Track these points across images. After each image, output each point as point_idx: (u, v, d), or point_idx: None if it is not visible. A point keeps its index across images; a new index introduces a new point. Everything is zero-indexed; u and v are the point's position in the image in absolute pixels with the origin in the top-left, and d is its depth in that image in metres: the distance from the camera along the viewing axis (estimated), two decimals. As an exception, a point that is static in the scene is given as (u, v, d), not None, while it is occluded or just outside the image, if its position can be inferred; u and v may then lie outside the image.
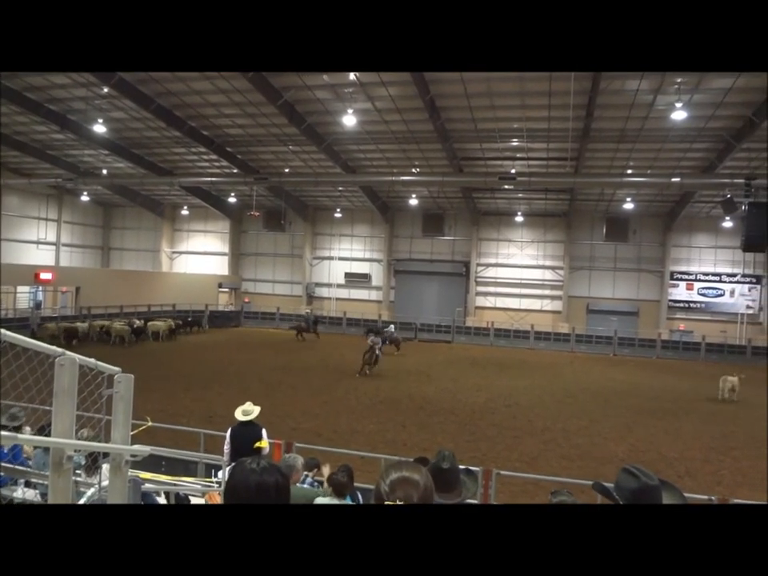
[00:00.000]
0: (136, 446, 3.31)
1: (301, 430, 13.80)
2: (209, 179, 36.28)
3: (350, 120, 25.12)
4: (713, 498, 7.38)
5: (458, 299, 42.09)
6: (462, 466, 2.96)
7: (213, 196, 42.42)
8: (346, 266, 44.83)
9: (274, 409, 15.16)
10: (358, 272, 44.49)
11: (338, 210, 43.29)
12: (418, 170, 32.79)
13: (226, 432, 7.84)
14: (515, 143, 28.86)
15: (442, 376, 23.71)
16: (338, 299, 44.37)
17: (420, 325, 39.39)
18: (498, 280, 41.80)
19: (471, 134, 27.93)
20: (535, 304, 41.18)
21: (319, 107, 26.21)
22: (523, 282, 41.35)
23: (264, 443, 7.59)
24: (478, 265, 42.05)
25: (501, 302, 41.53)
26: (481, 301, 42.07)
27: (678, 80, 20.95)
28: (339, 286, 44.73)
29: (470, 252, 42.10)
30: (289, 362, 25.23)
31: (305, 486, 5.66)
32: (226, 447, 7.68)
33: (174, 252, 47.51)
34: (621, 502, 1.95)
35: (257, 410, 7.81)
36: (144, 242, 48.07)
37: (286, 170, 34.51)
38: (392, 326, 34.47)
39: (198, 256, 47.24)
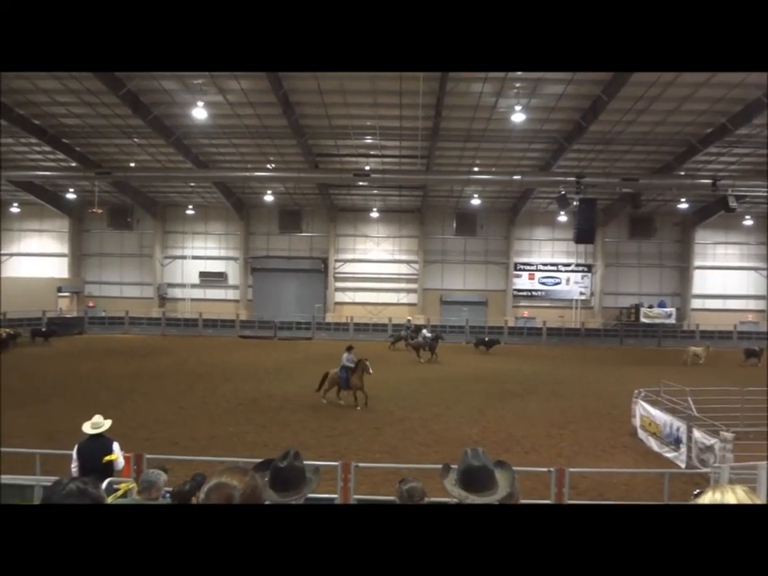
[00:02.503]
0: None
1: (155, 440, 13.09)
2: (42, 173, 33.00)
3: (200, 113, 24.19)
4: (551, 469, 8.02)
5: (317, 296, 42.16)
6: (313, 463, 2.95)
7: (48, 192, 38.83)
8: (201, 264, 43.15)
9: (126, 419, 14.23)
10: (213, 271, 43.01)
11: (190, 206, 41.52)
12: (273, 165, 32.36)
13: (72, 449, 7.27)
14: (369, 140, 29.40)
15: (302, 373, 23.58)
16: (192, 300, 42.59)
17: (280, 323, 38.96)
18: (356, 275, 42.45)
19: (326, 130, 28.05)
20: (392, 297, 42.33)
21: (166, 98, 24.93)
22: (380, 276, 42.34)
23: (114, 456, 7.15)
24: (336, 260, 42.40)
25: (359, 297, 42.22)
26: (340, 296, 42.48)
27: (517, 84, 22.50)
28: (194, 286, 42.96)
29: (327, 248, 42.31)
30: (140, 369, 23.81)
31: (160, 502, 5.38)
32: (74, 465, 7.15)
33: (3, 254, 42.83)
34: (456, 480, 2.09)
35: (107, 423, 7.36)
36: (-35, 243, 42.94)
37: (132, 165, 32.52)
38: (425, 329, 31.74)
39: (33, 258, 42.95)
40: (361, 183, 32.51)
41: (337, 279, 42.49)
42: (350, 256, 42.70)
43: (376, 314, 41.24)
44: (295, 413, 16.57)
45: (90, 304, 42.48)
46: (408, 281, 42.49)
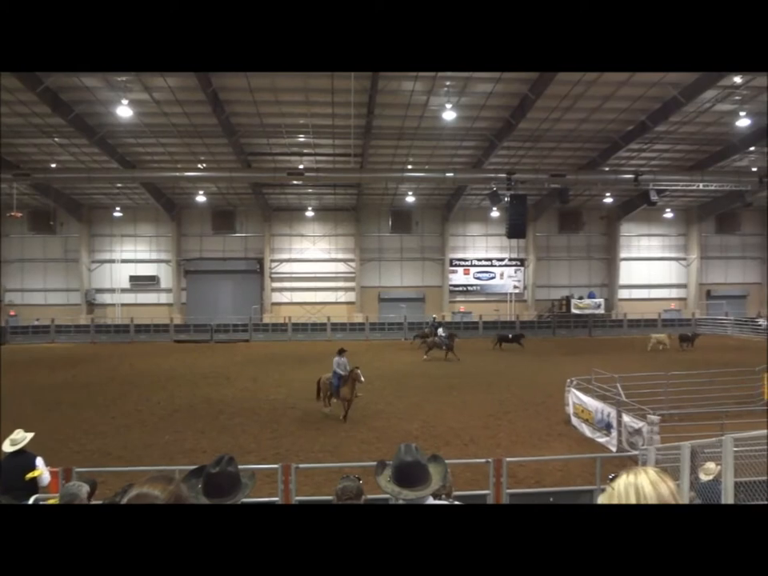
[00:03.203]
0: None
1: (86, 452, 12.57)
2: (-48, 176, 31.05)
3: (125, 111, 23.37)
4: (489, 460, 8.19)
5: (253, 297, 41.57)
6: (250, 467, 2.90)
7: (-40, 195, 36.58)
8: (131, 268, 41.74)
9: (53, 432, 13.63)
10: (144, 274, 41.69)
11: (118, 208, 40.07)
12: (204, 165, 31.65)
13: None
14: (302, 139, 29.17)
15: (241, 376, 23.23)
16: (123, 305, 41.16)
17: (216, 326, 38.17)
18: (293, 275, 42.10)
19: (258, 128, 27.64)
20: (330, 296, 42.21)
21: (88, 96, 23.92)
22: (317, 275, 42.15)
23: (38, 472, 6.81)
24: (272, 261, 41.92)
25: (297, 297, 41.90)
26: (277, 297, 42.02)
27: (447, 83, 22.81)
28: (124, 290, 41.52)
29: (263, 248, 41.76)
30: (68, 379, 22.83)
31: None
32: None
33: None
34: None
35: (28, 436, 6.98)
36: None
37: (53, 165, 31.09)
38: (440, 327, 31.12)
39: (-55, 265, 40.44)
40: (295, 182, 32.24)
41: (273, 279, 42.00)
42: (286, 256, 42.29)
43: (314, 314, 41.02)
44: (234, 417, 16.28)
45: (12, 313, 40.34)
46: (346, 279, 42.46)
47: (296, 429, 14.93)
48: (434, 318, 36.50)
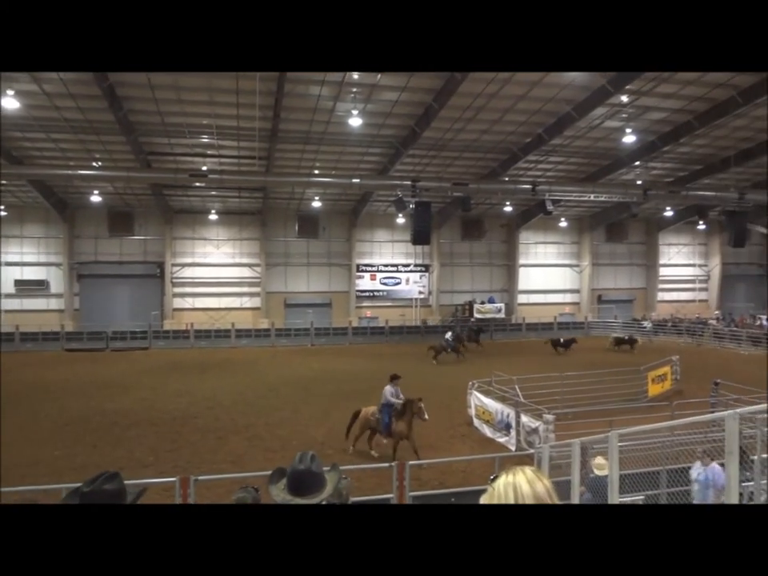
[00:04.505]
0: None
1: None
2: None
3: (10, 103, 21.73)
4: (392, 464, 8.28)
5: (153, 302, 39.86)
6: (145, 481, 2.78)
7: None
8: (16, 272, 38.81)
9: None
10: (31, 279, 38.88)
11: (2, 207, 37.13)
12: (99, 163, 30.04)
13: None
14: (205, 140, 28.34)
15: (139, 385, 22.21)
16: (7, 311, 38.18)
17: (112, 333, 36.25)
18: (196, 280, 40.77)
19: (159, 127, 26.56)
20: (235, 302, 41.24)
21: (-34, 86, 22.08)
22: (221, 280, 41.05)
23: None
24: (174, 265, 40.39)
25: (200, 302, 40.61)
26: (179, 302, 40.54)
27: (354, 89, 22.94)
28: (8, 296, 38.52)
29: (163, 252, 40.16)
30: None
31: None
32: None
33: None
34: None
35: None
36: None
37: (-75, 159, 28.41)
38: (449, 332, 32.26)
39: None
40: (198, 184, 31.23)
41: (175, 284, 40.47)
42: (188, 260, 40.89)
43: (218, 320, 39.91)
44: (130, 429, 15.53)
45: None
46: (251, 284, 41.63)
47: (197, 439, 14.46)
48: (472, 322, 39.06)
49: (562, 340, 33.11)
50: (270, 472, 3.08)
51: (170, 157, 30.31)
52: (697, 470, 7.44)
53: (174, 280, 40.40)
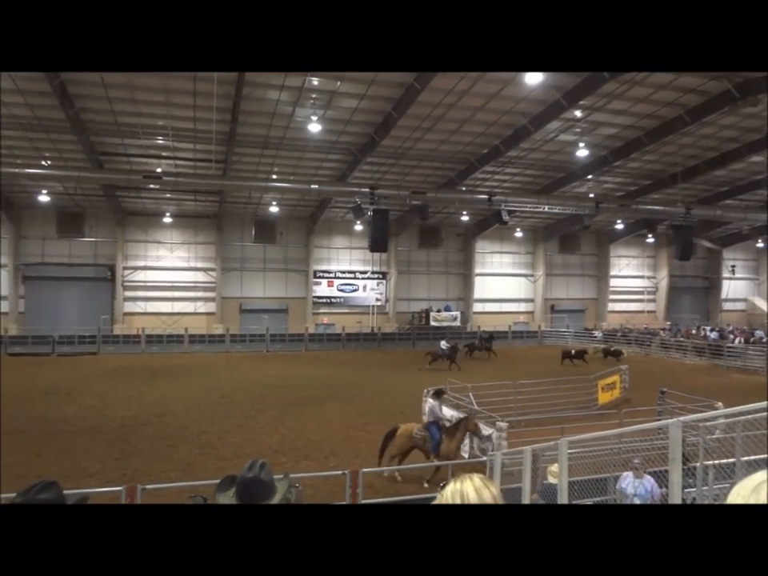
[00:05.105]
0: None
1: None
2: None
3: (-48, 98, 20.91)
4: (345, 472, 8.23)
5: (103, 306, 38.77)
6: (89, 490, 2.69)
7: None
8: (-43, 273, 37.27)
9: None
10: (-27, 280, 37.38)
11: (-58, 205, 35.69)
12: (48, 162, 29.12)
13: None
14: (161, 141, 27.81)
15: (86, 392, 21.53)
16: (-54, 314, 36.61)
17: (59, 337, 35.07)
18: (148, 284, 39.88)
19: (112, 127, 25.93)
20: (189, 307, 40.48)
21: None
22: (175, 284, 40.25)
23: None
24: (125, 268, 39.42)
25: (152, 307, 39.71)
26: (130, 306, 39.55)
27: (313, 95, 22.87)
28: (-53, 297, 36.96)
29: (115, 254, 39.15)
30: None
31: None
32: None
33: None
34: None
35: None
36: None
37: None
38: (443, 340, 32.14)
39: None
40: (152, 186, 30.60)
41: (126, 288, 39.48)
42: (141, 263, 39.97)
43: (171, 325, 39.08)
44: (77, 436, 15.03)
45: None
46: (205, 289, 40.94)
47: (147, 447, 14.09)
48: (480, 327, 39.21)
49: (573, 352, 32.39)
50: (219, 480, 3.01)
51: (124, 158, 29.64)
52: (628, 482, 7.23)
53: (126, 283, 39.41)
